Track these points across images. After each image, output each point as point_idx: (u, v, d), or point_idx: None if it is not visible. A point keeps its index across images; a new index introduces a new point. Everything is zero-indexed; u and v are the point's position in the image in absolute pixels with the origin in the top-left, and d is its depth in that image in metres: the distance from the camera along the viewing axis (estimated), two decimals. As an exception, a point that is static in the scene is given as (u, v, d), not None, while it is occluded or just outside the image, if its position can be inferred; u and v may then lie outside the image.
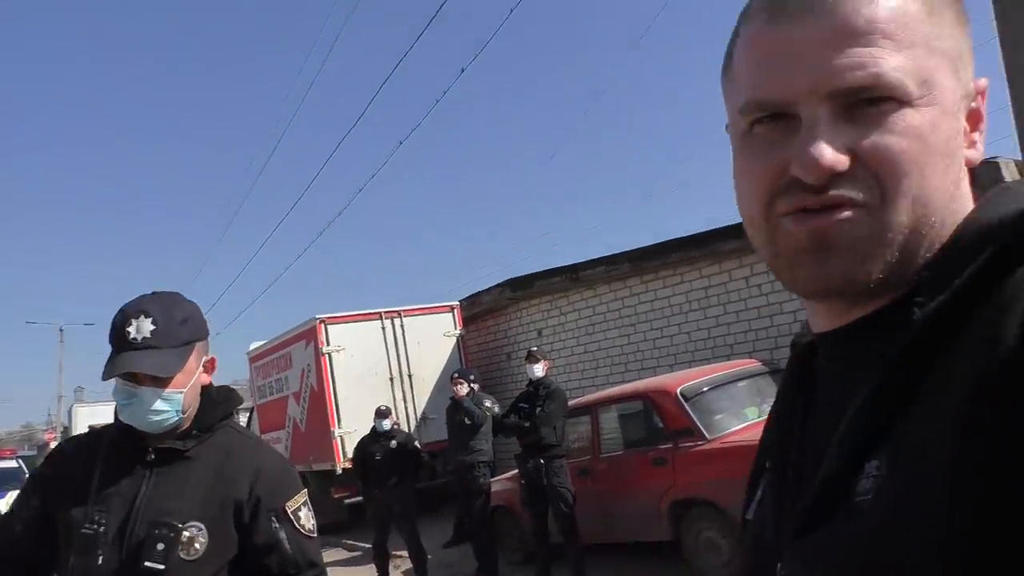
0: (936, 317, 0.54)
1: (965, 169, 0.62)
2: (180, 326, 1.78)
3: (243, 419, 14.69)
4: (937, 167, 0.58)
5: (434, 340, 12.10)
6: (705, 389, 6.51)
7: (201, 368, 1.85)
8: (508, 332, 12.89)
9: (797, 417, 0.71)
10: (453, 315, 12.40)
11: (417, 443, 9.19)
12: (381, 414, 8.62)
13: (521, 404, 7.40)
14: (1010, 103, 4.12)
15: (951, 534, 0.48)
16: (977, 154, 0.64)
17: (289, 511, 1.82)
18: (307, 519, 1.87)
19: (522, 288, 12.16)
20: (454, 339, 12.27)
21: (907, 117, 0.56)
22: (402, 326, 11.95)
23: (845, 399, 0.60)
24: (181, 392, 1.77)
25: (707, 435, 6.13)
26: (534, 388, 7.33)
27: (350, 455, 9.64)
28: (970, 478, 0.48)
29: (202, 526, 1.73)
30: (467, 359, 12.24)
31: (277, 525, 1.80)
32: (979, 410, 0.49)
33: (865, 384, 0.57)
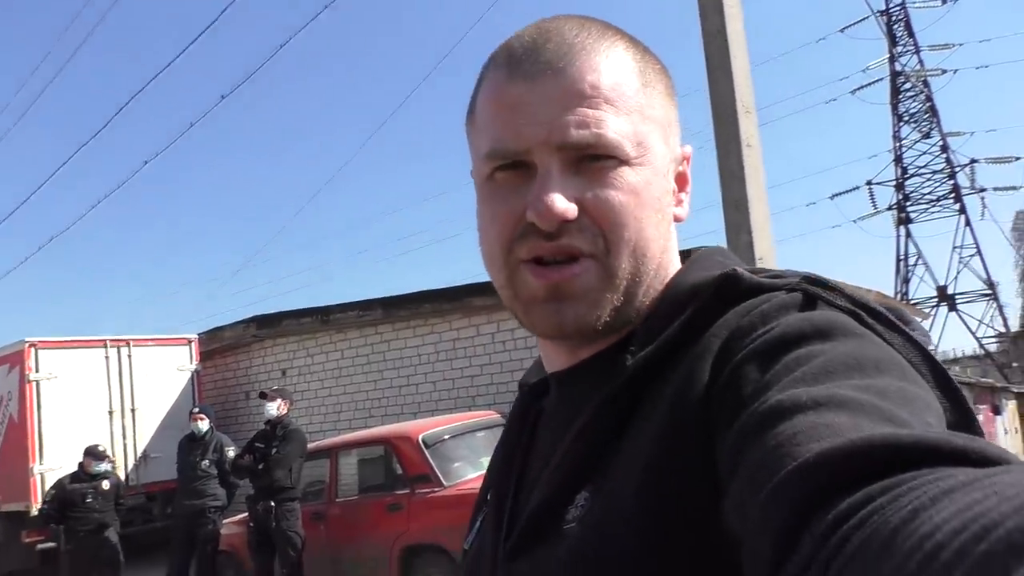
0: (643, 365, 0.61)
1: (673, 224, 0.70)
2: None
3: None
4: (651, 220, 0.65)
5: (165, 374, 11.27)
6: (445, 437, 6.69)
7: None
8: (250, 370, 12.34)
9: (519, 452, 0.75)
10: (190, 349, 11.66)
11: (124, 485, 8.51)
12: (97, 455, 7.86)
13: (257, 444, 7.12)
14: (721, 200, 4.85)
15: (638, 551, 0.54)
16: (684, 211, 0.71)
17: None
18: None
19: (268, 326, 11.76)
20: (188, 374, 11.51)
21: (625, 175, 0.63)
22: (129, 356, 11.02)
23: (563, 435, 0.65)
24: None
25: (444, 482, 6.29)
26: (271, 428, 7.10)
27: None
28: (648, 503, 0.55)
29: None
30: (201, 396, 11.52)
31: None
32: (665, 440, 0.55)
33: (579, 422, 0.63)
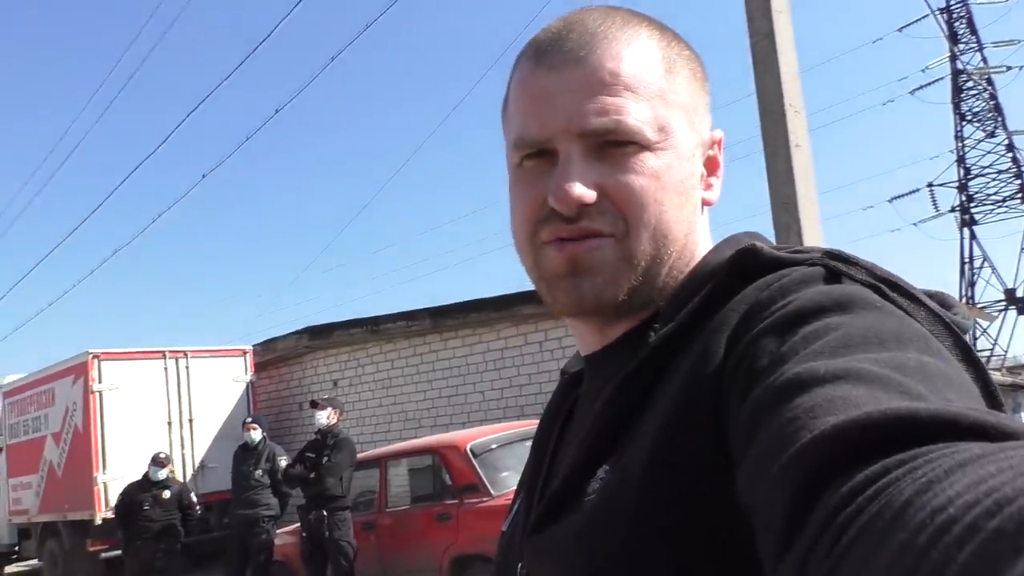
0: (664, 341, 0.62)
1: (701, 207, 0.71)
2: None
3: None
4: (673, 203, 0.66)
5: (221, 384, 11.49)
6: (493, 446, 6.66)
7: None
8: (302, 381, 12.51)
9: (555, 435, 0.78)
10: (245, 360, 11.86)
11: (193, 495, 8.65)
12: (159, 462, 8.06)
13: (308, 453, 7.20)
14: (769, 199, 4.73)
15: (646, 522, 0.56)
16: (714, 195, 0.73)
17: None
18: None
19: (320, 337, 11.91)
20: (244, 385, 11.72)
21: (646, 159, 0.64)
22: (187, 367, 11.26)
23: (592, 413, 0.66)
24: None
25: (492, 491, 6.25)
26: (322, 437, 7.17)
27: (113, 503, 8.87)
28: (657, 474, 0.56)
29: None
30: (256, 406, 11.71)
31: None
32: (678, 414, 0.56)
33: (602, 398, 0.64)
